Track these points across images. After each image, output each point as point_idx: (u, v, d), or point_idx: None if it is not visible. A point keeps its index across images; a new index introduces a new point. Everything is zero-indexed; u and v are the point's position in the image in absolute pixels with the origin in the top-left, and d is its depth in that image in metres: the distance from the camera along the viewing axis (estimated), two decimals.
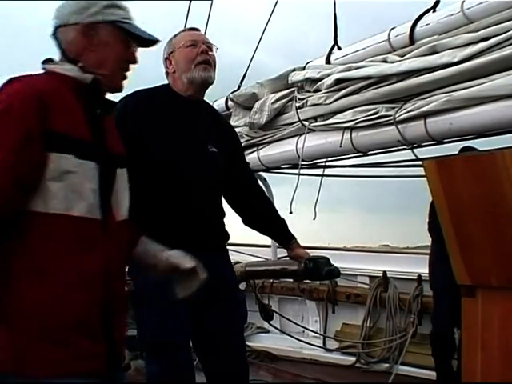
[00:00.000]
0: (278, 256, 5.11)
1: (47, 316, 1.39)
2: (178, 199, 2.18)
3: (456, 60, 2.58)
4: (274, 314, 2.97)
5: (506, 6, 2.50)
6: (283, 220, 2.51)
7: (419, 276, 4.40)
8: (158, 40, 1.68)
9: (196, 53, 2.24)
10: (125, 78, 1.65)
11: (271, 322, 4.29)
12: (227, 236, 2.38)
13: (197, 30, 2.39)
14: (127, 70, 1.64)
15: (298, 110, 3.48)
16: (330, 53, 3.57)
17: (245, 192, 2.46)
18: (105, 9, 1.57)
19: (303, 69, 3.65)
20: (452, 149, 3.34)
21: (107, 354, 1.50)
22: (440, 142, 2.86)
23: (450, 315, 3.64)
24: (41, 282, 1.40)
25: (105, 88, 1.60)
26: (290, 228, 2.50)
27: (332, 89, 3.21)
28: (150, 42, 1.65)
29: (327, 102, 3.23)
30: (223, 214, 2.38)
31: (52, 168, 1.42)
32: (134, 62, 1.64)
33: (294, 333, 4.69)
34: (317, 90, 3.37)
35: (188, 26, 2.42)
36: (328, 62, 3.53)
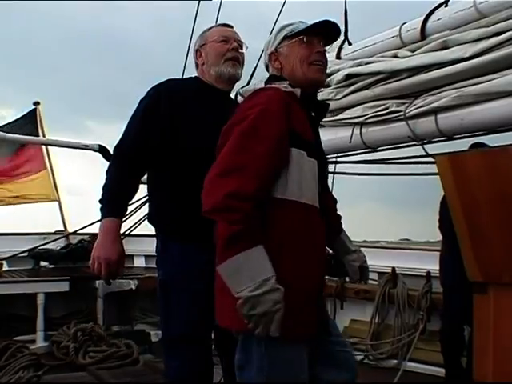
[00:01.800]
0: None
1: (293, 282, 1.65)
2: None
3: (467, 55, 2.55)
4: None
5: None
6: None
7: (428, 272, 4.40)
8: (327, 21, 1.92)
9: (227, 49, 2.32)
10: (320, 70, 1.91)
11: None
12: None
13: (230, 26, 2.44)
14: (318, 61, 1.90)
15: None
16: (341, 48, 3.55)
17: None
18: (277, 34, 1.97)
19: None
20: (463, 145, 3.32)
21: (318, 321, 1.78)
22: (451, 138, 2.83)
23: (460, 312, 3.63)
24: (280, 255, 1.65)
25: (311, 91, 1.93)
26: None
27: (342, 84, 3.19)
28: (323, 27, 1.91)
29: (337, 97, 3.21)
30: None
31: (292, 161, 1.71)
32: (320, 53, 1.91)
33: None
34: (327, 86, 3.35)
35: (221, 22, 2.48)
36: (338, 57, 3.51)
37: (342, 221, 2.25)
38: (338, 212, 2.23)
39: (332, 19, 1.96)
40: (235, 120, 1.78)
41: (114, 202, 2.22)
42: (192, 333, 2.15)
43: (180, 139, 2.18)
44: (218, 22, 2.49)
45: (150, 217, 2.38)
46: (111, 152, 4.67)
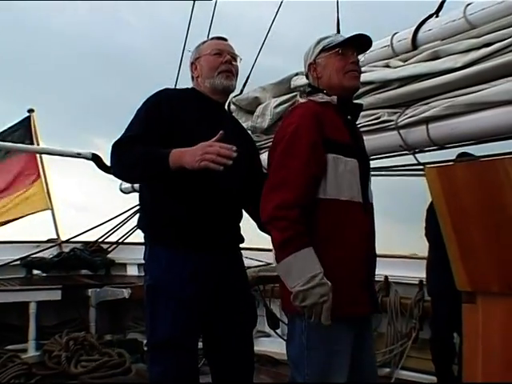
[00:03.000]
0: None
1: (338, 270, 1.95)
2: (201, 193, 2.22)
3: (458, 65, 2.58)
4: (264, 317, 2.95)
5: (508, 12, 2.51)
6: None
7: (421, 281, 4.40)
8: (360, 34, 2.17)
9: (220, 62, 2.37)
10: (355, 76, 2.15)
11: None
12: (242, 239, 2.45)
13: (224, 39, 2.50)
14: (353, 70, 2.14)
15: None
16: None
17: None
18: (315, 47, 2.21)
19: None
20: (454, 154, 3.35)
21: (370, 302, 2.07)
22: (442, 147, 2.86)
23: (448, 320, 3.64)
24: (326, 247, 1.96)
25: (347, 96, 2.16)
26: None
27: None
28: (356, 40, 2.16)
29: None
30: (241, 217, 2.44)
31: (329, 165, 1.99)
32: (354, 63, 2.15)
33: (277, 329, 4.69)
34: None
35: (215, 35, 2.53)
36: None
37: None
38: None
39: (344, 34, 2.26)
40: (277, 139, 2.11)
41: (152, 155, 2.14)
42: (178, 339, 2.16)
43: (175, 146, 2.17)
44: (212, 35, 2.53)
45: (140, 222, 2.40)
46: (104, 160, 4.69)
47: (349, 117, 2.18)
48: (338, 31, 3.65)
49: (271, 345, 4.86)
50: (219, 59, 2.36)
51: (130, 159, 2.15)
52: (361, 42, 2.20)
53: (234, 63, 2.40)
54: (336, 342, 1.97)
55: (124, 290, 4.97)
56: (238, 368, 2.33)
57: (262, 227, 2.43)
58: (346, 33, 3.31)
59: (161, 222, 2.24)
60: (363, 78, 3.01)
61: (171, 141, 2.18)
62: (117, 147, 2.20)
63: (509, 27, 2.46)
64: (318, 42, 2.22)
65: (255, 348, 3.90)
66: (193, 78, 2.46)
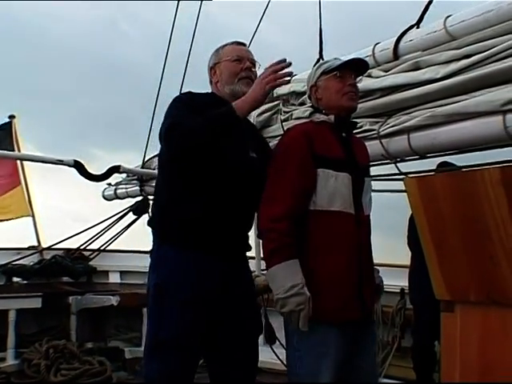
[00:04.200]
0: (262, 268, 5.12)
1: (327, 277, 2.10)
2: (218, 197, 2.22)
3: (439, 76, 2.62)
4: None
5: (487, 25, 2.55)
6: None
7: (402, 289, 4.42)
8: (357, 58, 2.36)
9: (240, 68, 2.38)
10: (352, 98, 2.28)
11: None
12: (250, 247, 2.48)
13: (244, 44, 2.51)
14: (350, 92, 2.27)
15: (283, 123, 3.49)
16: None
17: None
18: (316, 70, 2.36)
19: (288, 82, 3.66)
20: (436, 164, 3.38)
21: (360, 309, 2.15)
22: (423, 157, 2.89)
23: (429, 329, 3.66)
24: (317, 255, 2.12)
25: (344, 115, 2.30)
26: None
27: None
28: (353, 63, 2.32)
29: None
30: (251, 225, 2.45)
31: (319, 179, 2.14)
32: (352, 85, 2.29)
33: (277, 345, 4.67)
34: (302, 104, 3.39)
35: (234, 40, 2.51)
36: None
37: None
38: None
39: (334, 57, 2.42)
40: (272, 158, 2.28)
41: (213, 115, 2.17)
42: (182, 340, 2.16)
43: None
44: (233, 40, 2.51)
45: (152, 220, 2.39)
46: (86, 167, 4.65)
47: (344, 134, 2.30)
48: (321, 41, 3.69)
49: None
50: (239, 65, 2.38)
51: (195, 126, 2.14)
52: (358, 66, 2.36)
53: (253, 70, 2.42)
54: (325, 345, 2.09)
55: (112, 297, 4.91)
56: (235, 376, 2.31)
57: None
58: (328, 44, 3.36)
59: (175, 222, 2.25)
60: None
61: None
62: (172, 128, 2.18)
63: (488, 39, 2.50)
64: (319, 66, 2.37)
65: None
66: (211, 82, 2.47)
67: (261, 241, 2.19)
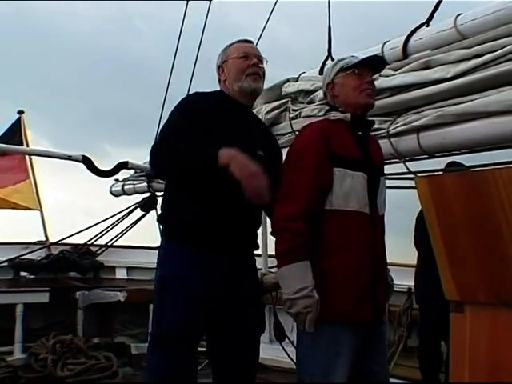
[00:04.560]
0: (270, 265, 5.12)
1: (341, 276, 2.08)
2: (223, 195, 2.22)
3: (449, 76, 2.60)
4: (266, 324, 2.92)
5: (498, 24, 2.53)
6: None
7: (409, 289, 4.40)
8: (375, 56, 2.43)
9: (247, 65, 2.38)
10: (369, 95, 2.27)
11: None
12: (257, 246, 2.49)
13: (250, 42, 2.52)
14: (368, 89, 2.26)
15: (292, 121, 3.49)
16: (324, 64, 3.59)
17: None
18: (333, 67, 2.34)
19: (297, 80, 3.66)
20: (444, 163, 3.37)
21: (373, 309, 2.14)
22: (432, 156, 2.87)
23: (435, 329, 3.65)
24: (330, 255, 2.10)
25: (361, 113, 2.28)
26: None
27: (325, 101, 3.22)
28: (372, 61, 2.32)
29: (321, 113, 3.23)
30: (259, 224, 2.48)
31: (335, 178, 2.12)
32: (369, 83, 2.28)
33: (284, 343, 4.68)
34: (310, 102, 3.39)
35: (241, 38, 2.52)
36: (322, 73, 3.55)
37: None
38: None
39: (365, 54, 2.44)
40: (287, 156, 2.26)
41: (201, 150, 2.17)
42: (183, 334, 2.19)
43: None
44: (239, 38, 2.53)
45: (161, 216, 2.42)
46: (95, 163, 4.67)
47: (360, 133, 2.29)
48: (329, 39, 3.68)
49: (261, 351, 4.84)
50: (246, 62, 2.38)
51: (176, 153, 2.18)
52: (375, 63, 2.37)
53: (260, 65, 2.42)
54: (338, 344, 2.09)
55: (119, 292, 4.93)
56: (238, 373, 2.35)
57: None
58: (338, 41, 3.34)
59: (180, 218, 2.28)
60: None
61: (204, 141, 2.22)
62: (157, 148, 2.25)
63: (499, 39, 2.48)
64: (336, 63, 2.35)
65: None
66: (220, 80, 2.48)
67: (269, 239, 2.21)
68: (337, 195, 2.13)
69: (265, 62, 2.46)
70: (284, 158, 2.32)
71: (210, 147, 2.15)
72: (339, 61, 2.36)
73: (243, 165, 2.09)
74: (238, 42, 2.50)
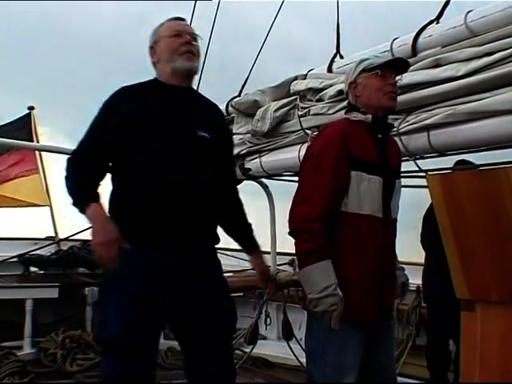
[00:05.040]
0: (278, 263, 5.13)
1: (350, 277, 2.13)
2: (159, 185, 2.11)
3: (460, 74, 2.58)
4: (273, 321, 2.93)
5: (509, 21, 2.50)
6: (250, 225, 2.52)
7: (418, 287, 4.39)
8: (399, 58, 2.42)
9: (180, 43, 2.25)
10: (392, 97, 2.29)
11: (268, 328, 4.27)
12: (217, 239, 2.32)
13: (182, 19, 2.39)
14: (391, 91, 2.28)
15: (301, 119, 3.48)
16: (332, 61, 3.58)
17: (226, 191, 2.42)
18: (357, 67, 2.34)
19: (305, 77, 3.65)
20: (453, 161, 3.35)
21: (379, 309, 2.20)
22: (443, 155, 2.86)
23: (444, 328, 3.64)
24: (343, 256, 2.14)
25: (382, 115, 2.30)
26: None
27: (335, 99, 3.20)
28: (395, 63, 2.35)
29: (330, 112, 3.23)
30: (213, 214, 2.28)
31: (352, 182, 2.15)
32: (392, 85, 2.31)
33: (291, 340, 4.69)
34: (319, 100, 3.37)
35: (172, 16, 2.38)
36: (330, 70, 3.54)
37: None
38: None
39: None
40: (306, 156, 2.32)
41: (84, 195, 2.14)
42: (129, 338, 2.04)
43: (134, 140, 2.15)
44: (170, 17, 2.38)
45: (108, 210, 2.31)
46: None
47: (379, 135, 2.31)
48: (338, 36, 3.67)
49: (266, 347, 4.85)
50: (179, 40, 2.25)
51: (70, 185, 2.19)
52: (399, 65, 2.39)
53: (194, 43, 2.29)
54: (348, 339, 2.16)
55: None
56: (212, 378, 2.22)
57: (228, 231, 2.46)
58: (347, 37, 3.33)
59: (118, 215, 2.13)
60: None
61: (134, 135, 2.15)
62: (68, 161, 2.24)
63: (511, 36, 2.46)
64: (360, 63, 2.37)
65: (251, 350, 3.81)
66: (154, 64, 2.33)
67: (292, 238, 2.23)
68: (352, 199, 2.17)
69: (199, 40, 2.34)
70: (302, 157, 2.37)
71: (89, 188, 2.14)
72: (362, 61, 2.37)
73: (97, 231, 2.03)
74: (169, 20, 2.36)
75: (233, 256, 5.87)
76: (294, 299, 4.96)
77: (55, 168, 7.02)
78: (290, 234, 2.23)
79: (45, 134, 6.92)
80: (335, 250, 2.16)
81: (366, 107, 2.30)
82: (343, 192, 2.17)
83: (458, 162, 3.36)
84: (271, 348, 4.85)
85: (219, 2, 4.72)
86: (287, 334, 2.86)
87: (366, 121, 2.28)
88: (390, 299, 2.32)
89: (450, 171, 2.67)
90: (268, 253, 4.96)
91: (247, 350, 4.64)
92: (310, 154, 2.29)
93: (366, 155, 2.22)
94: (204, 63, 4.90)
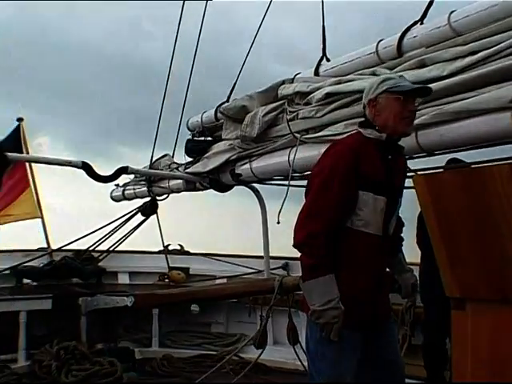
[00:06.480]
0: (271, 267, 5.13)
1: (350, 292, 2.22)
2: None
3: (445, 74, 2.60)
4: (268, 326, 2.92)
5: (492, 20, 2.53)
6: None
7: None
8: (424, 87, 2.40)
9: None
10: (409, 124, 2.33)
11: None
12: None
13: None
14: (409, 118, 2.31)
15: (290, 123, 3.49)
16: (319, 64, 3.60)
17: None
18: (380, 84, 2.34)
19: (292, 81, 3.66)
20: (444, 160, 3.37)
21: (372, 315, 2.32)
22: (431, 154, 2.87)
23: (440, 327, 3.65)
24: (341, 267, 2.24)
25: (396, 138, 2.34)
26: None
27: (322, 102, 3.22)
28: (419, 91, 2.38)
29: (318, 115, 3.24)
30: None
31: (359, 201, 2.24)
32: (411, 111, 2.33)
33: (287, 344, 4.67)
34: (307, 103, 3.39)
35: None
36: (317, 73, 3.55)
37: None
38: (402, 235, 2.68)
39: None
40: (316, 171, 2.37)
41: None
42: None
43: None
44: None
45: None
46: (94, 168, 4.65)
47: (389, 156, 2.35)
48: (324, 39, 3.68)
49: (263, 352, 4.83)
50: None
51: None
52: (422, 93, 2.45)
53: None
54: (344, 341, 2.24)
55: (126, 298, 4.93)
56: None
57: None
58: (333, 37, 3.32)
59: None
60: (351, 87, 3.04)
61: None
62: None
63: (494, 35, 2.48)
64: (384, 81, 2.37)
65: (247, 356, 3.82)
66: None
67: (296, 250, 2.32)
68: (358, 217, 2.26)
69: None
70: (312, 171, 2.44)
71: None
72: (386, 80, 2.37)
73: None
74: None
75: (225, 262, 5.92)
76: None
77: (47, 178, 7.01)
78: (295, 246, 2.31)
79: (45, 144, 6.88)
80: (338, 264, 2.25)
81: (381, 127, 2.33)
82: (350, 210, 2.26)
83: (450, 161, 3.38)
84: (267, 353, 4.82)
85: (206, 4, 4.74)
86: (293, 338, 2.85)
87: (380, 139, 2.32)
88: (383, 306, 2.43)
89: (436, 171, 2.68)
90: (261, 257, 4.98)
91: (244, 356, 4.65)
92: (320, 170, 2.34)
93: (375, 175, 2.28)
94: (193, 65, 4.94)
